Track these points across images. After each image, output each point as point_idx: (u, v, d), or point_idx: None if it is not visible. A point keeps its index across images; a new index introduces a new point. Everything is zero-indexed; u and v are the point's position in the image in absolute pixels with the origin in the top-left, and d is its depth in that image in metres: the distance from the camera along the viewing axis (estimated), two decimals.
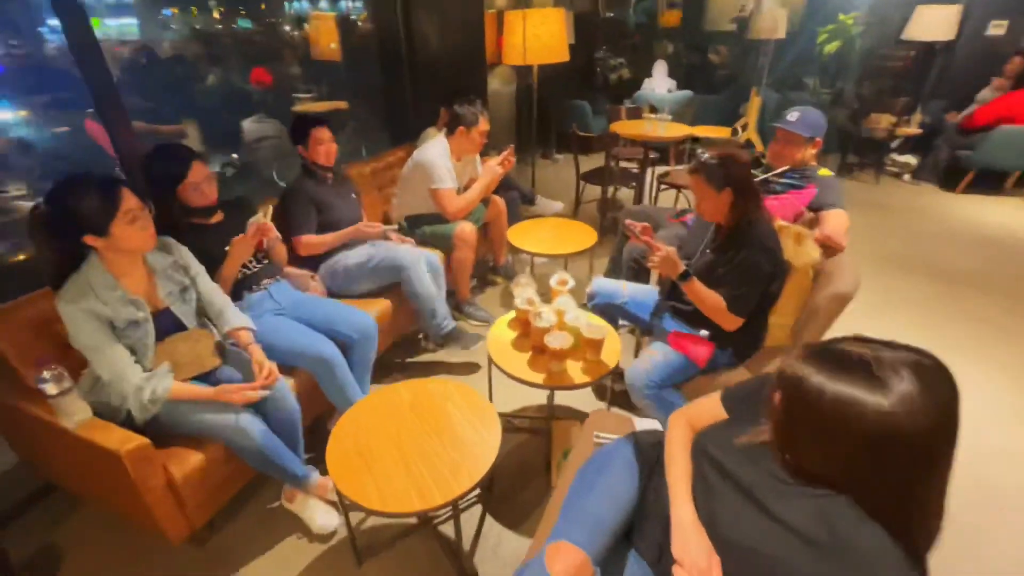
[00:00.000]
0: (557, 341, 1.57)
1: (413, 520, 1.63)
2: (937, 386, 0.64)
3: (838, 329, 2.66)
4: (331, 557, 1.54)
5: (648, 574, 0.99)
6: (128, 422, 1.36)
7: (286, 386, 1.57)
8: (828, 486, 0.73)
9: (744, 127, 4.66)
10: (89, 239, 1.26)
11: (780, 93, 5.31)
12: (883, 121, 4.61)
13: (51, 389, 1.22)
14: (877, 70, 5.61)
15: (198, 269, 1.56)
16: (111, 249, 1.30)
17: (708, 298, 1.58)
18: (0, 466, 1.69)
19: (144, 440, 1.27)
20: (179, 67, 5.15)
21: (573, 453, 1.40)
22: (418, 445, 1.35)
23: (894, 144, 4.94)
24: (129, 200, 1.28)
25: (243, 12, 5.93)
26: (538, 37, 2.97)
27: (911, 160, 4.92)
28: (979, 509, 1.64)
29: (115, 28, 4.92)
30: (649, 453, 1.11)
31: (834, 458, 0.70)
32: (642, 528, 1.03)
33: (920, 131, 4.62)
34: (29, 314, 1.42)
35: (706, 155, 1.59)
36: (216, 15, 6.05)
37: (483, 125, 2.47)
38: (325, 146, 2.09)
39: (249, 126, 3.29)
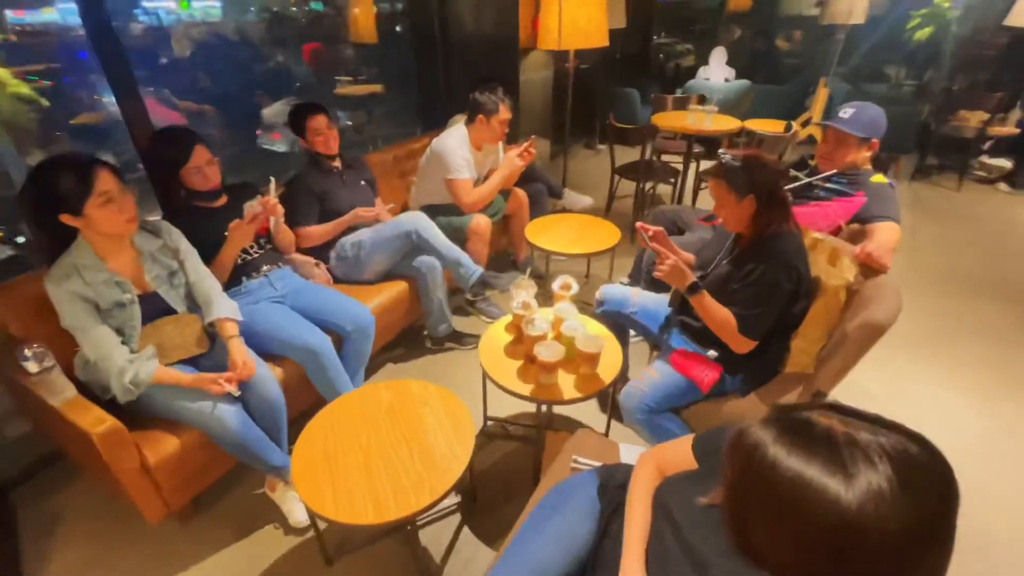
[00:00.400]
0: (547, 352, 1.46)
1: None
2: (921, 484, 0.49)
3: (881, 359, 2.36)
4: (303, 551, 1.53)
5: None
6: (115, 400, 1.39)
7: (268, 374, 1.56)
8: (775, 573, 0.60)
9: (807, 122, 4.27)
10: (65, 218, 1.27)
11: (852, 84, 4.82)
12: (973, 119, 4.09)
13: (32, 367, 1.25)
14: (972, 60, 4.98)
15: (188, 253, 1.56)
16: (91, 230, 1.31)
17: (718, 315, 1.42)
18: (16, 430, 1.79)
19: (117, 423, 1.28)
20: (244, 49, 5.35)
21: (548, 475, 1.30)
22: (385, 453, 1.29)
23: (985, 145, 4.38)
24: (105, 182, 1.27)
25: None
26: (574, 21, 2.79)
27: (1005, 164, 4.35)
28: None
29: (200, 10, 5.21)
30: (615, 494, 0.99)
31: (784, 544, 0.57)
32: None
33: (1017, 131, 4.05)
34: (34, 290, 1.45)
35: (728, 157, 1.41)
36: None
37: (504, 114, 2.35)
38: (323, 136, 2.04)
39: (280, 108, 3.33)
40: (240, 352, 1.49)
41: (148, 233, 1.49)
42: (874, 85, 5.05)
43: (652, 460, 0.94)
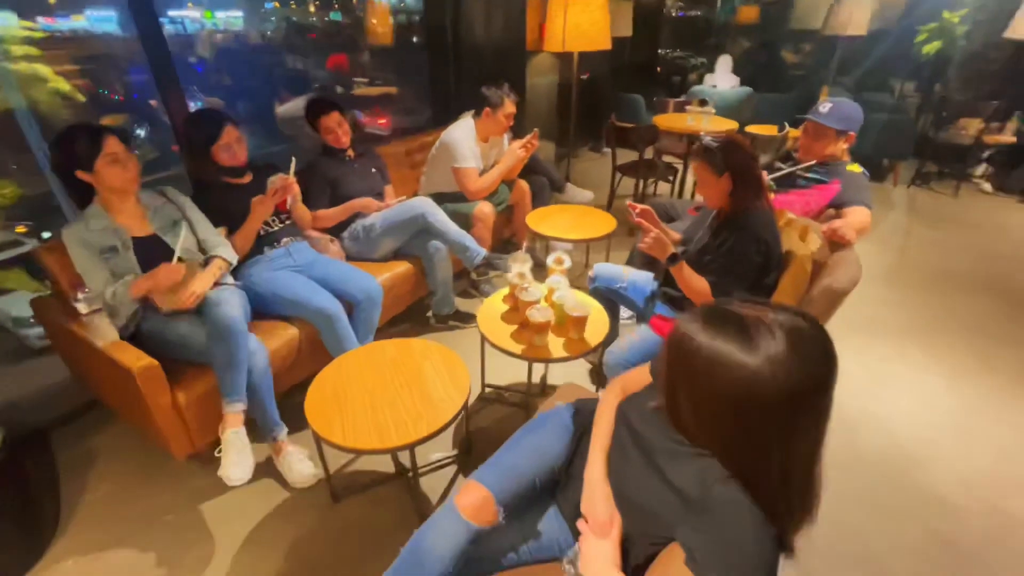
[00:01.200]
0: (538, 315, 1.61)
1: (391, 470, 1.74)
2: (808, 350, 0.63)
3: (866, 346, 2.49)
4: (312, 491, 1.67)
5: (564, 528, 1.03)
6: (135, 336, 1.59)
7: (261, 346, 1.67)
8: (702, 446, 0.74)
9: None
10: (80, 174, 1.50)
11: (854, 94, 4.94)
12: (971, 127, 4.18)
13: (83, 308, 1.42)
14: (977, 72, 5.07)
15: (195, 215, 1.76)
16: (100, 185, 1.54)
17: (695, 284, 1.56)
18: (58, 378, 1.98)
19: (153, 361, 1.45)
20: (266, 54, 5.69)
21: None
22: (388, 394, 1.44)
23: (985, 154, 4.46)
24: (113, 145, 1.50)
25: (336, 6, 6.37)
26: (578, 25, 2.97)
27: None
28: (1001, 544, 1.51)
29: (223, 19, 5.60)
30: (586, 418, 1.13)
31: (703, 417, 0.71)
32: (567, 488, 1.06)
33: (1014, 140, 4.14)
34: None
35: (708, 139, 1.56)
36: (312, 8, 6.53)
37: (508, 107, 2.52)
38: (334, 133, 2.22)
39: (297, 105, 3.54)
40: (202, 280, 1.62)
41: (156, 193, 1.72)
42: (878, 95, 5.16)
43: (619, 383, 1.08)
